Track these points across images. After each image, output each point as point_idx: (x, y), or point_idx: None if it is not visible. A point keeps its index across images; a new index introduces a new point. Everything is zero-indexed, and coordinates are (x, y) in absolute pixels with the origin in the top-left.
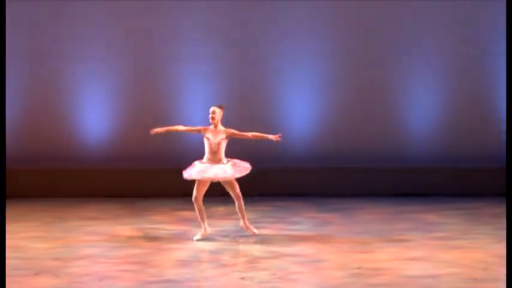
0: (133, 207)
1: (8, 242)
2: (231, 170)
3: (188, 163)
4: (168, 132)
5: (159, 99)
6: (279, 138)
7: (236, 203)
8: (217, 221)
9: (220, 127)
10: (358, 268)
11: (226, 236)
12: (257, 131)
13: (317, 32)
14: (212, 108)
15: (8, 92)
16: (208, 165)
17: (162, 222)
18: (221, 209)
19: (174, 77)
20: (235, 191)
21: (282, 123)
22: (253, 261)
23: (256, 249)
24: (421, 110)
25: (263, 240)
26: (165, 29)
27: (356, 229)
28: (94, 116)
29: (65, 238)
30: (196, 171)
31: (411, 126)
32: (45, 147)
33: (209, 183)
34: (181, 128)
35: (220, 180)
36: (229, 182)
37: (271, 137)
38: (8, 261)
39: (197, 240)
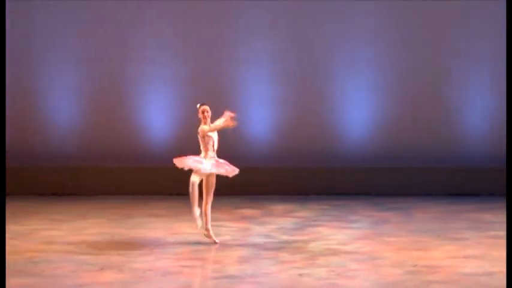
0: None
1: (76, 238)
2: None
3: (247, 162)
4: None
5: (220, 100)
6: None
7: (207, 205)
8: (276, 219)
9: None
10: (414, 266)
11: (285, 233)
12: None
13: (373, 34)
14: (205, 107)
15: (77, 93)
16: (220, 161)
17: (222, 219)
18: (281, 207)
19: (234, 78)
20: (212, 191)
21: (340, 123)
22: (311, 258)
23: (315, 247)
24: (477, 110)
25: (321, 237)
26: (227, 30)
27: (412, 227)
28: (159, 116)
29: (130, 234)
30: (210, 165)
31: (467, 126)
32: (113, 146)
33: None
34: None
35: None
36: (213, 180)
37: (226, 117)
38: (75, 257)
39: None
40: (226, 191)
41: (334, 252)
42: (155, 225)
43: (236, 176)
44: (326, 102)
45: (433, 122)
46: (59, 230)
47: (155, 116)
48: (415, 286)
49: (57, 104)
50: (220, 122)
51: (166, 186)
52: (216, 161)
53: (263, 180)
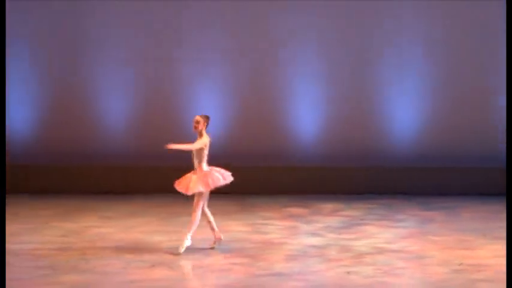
0: (244, 204)
1: (127, 235)
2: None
3: (296, 162)
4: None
5: (269, 100)
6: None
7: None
8: (324, 218)
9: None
10: (460, 264)
11: (332, 232)
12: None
13: (421, 35)
14: (196, 118)
15: (128, 94)
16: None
17: (271, 218)
18: (329, 206)
19: (283, 78)
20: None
21: (387, 124)
22: (358, 257)
23: (362, 245)
24: None
25: (368, 236)
26: (274, 32)
27: (458, 227)
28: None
29: (180, 232)
30: (219, 178)
31: None
32: (161, 146)
33: None
34: (190, 147)
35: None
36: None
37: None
38: (125, 254)
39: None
40: (275, 190)
41: (380, 251)
42: (204, 223)
43: (285, 175)
44: (372, 103)
45: (482, 122)
46: (110, 227)
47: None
48: (460, 285)
49: (109, 105)
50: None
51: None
52: (205, 174)
53: (311, 179)
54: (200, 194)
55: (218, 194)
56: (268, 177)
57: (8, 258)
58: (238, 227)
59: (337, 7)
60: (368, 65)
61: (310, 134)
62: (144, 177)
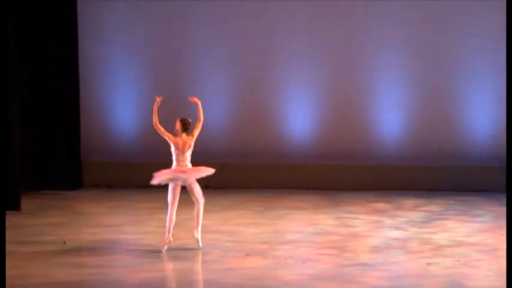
0: (332, 199)
1: (223, 227)
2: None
3: (381, 161)
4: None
5: (352, 105)
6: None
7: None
8: (406, 212)
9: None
10: None
11: (414, 225)
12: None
13: (497, 36)
14: (177, 122)
15: (226, 97)
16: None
17: (357, 212)
18: (411, 202)
19: (365, 83)
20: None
21: (466, 124)
22: (438, 249)
23: (441, 238)
24: None
25: (447, 230)
26: (358, 39)
27: None
28: (298, 117)
29: (273, 224)
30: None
31: None
32: (256, 145)
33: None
34: (157, 123)
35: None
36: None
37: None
38: (223, 244)
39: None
40: (361, 186)
41: (459, 244)
42: (295, 217)
43: (371, 172)
44: (451, 105)
45: None
46: (208, 219)
47: (291, 117)
48: None
49: (209, 106)
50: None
51: (305, 181)
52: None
53: (395, 177)
54: (169, 192)
55: (309, 189)
56: (355, 175)
57: (112, 247)
58: (326, 221)
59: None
60: (445, 70)
61: (393, 136)
62: (240, 173)
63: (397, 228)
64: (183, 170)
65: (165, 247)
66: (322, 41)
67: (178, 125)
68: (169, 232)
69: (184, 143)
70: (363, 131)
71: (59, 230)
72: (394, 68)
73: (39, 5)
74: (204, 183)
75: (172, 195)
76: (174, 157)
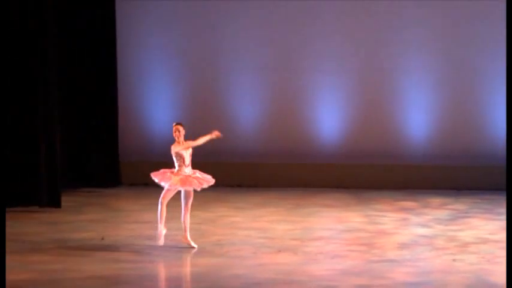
0: (360, 197)
1: (255, 224)
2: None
3: (408, 160)
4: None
5: (382, 106)
6: (219, 135)
7: (186, 214)
8: (432, 210)
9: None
10: None
11: (440, 223)
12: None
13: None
14: (177, 126)
15: (258, 98)
16: (194, 175)
17: (384, 210)
18: (437, 200)
19: (395, 85)
20: (190, 202)
21: (491, 122)
22: (463, 246)
23: (467, 235)
24: None
25: (473, 227)
26: (390, 43)
27: None
28: (327, 118)
29: (303, 222)
30: (177, 181)
31: None
32: (286, 145)
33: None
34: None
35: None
36: (190, 192)
37: (212, 136)
38: (255, 240)
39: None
40: (388, 185)
41: (484, 241)
42: (325, 214)
43: (398, 172)
44: (476, 105)
45: None
46: (241, 216)
47: (320, 118)
48: None
49: (241, 108)
50: (203, 139)
51: (334, 179)
52: (186, 176)
53: (422, 176)
54: (164, 191)
55: (338, 188)
56: (382, 174)
57: (149, 243)
58: (355, 218)
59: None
60: (475, 72)
61: (420, 137)
62: (271, 172)
63: (424, 225)
64: (191, 182)
65: (162, 239)
66: (349, 44)
67: (182, 130)
68: (161, 223)
69: (187, 150)
70: (390, 131)
71: (98, 226)
72: (419, 69)
73: (78, 8)
74: (236, 182)
75: (168, 196)
76: (177, 162)
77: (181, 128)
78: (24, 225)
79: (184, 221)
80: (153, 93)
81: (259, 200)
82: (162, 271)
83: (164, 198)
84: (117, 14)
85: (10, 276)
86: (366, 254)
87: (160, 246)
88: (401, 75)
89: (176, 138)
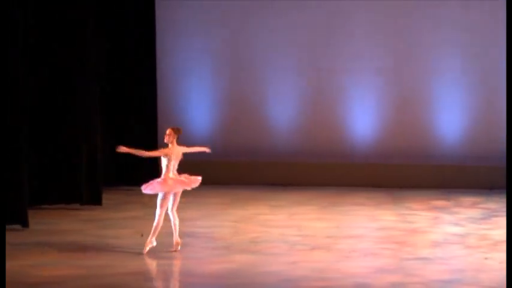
0: (393, 196)
1: (290, 222)
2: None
3: (441, 160)
4: (132, 154)
5: (418, 107)
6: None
7: (176, 218)
8: (465, 210)
9: (177, 145)
10: None
11: (472, 222)
12: None
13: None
14: (168, 130)
15: (294, 99)
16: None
17: (417, 209)
18: (470, 200)
19: (431, 87)
20: (176, 206)
21: None
22: (495, 244)
23: (498, 234)
24: None
25: (504, 226)
26: (424, 44)
27: None
28: (361, 118)
29: (337, 220)
30: (171, 185)
31: None
32: (321, 144)
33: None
34: (145, 153)
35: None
36: (178, 194)
37: (203, 149)
38: (290, 238)
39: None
40: (421, 184)
41: None
42: (358, 213)
43: (431, 171)
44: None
45: None
46: (276, 214)
47: (355, 118)
48: None
49: (278, 108)
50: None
51: (367, 179)
52: (176, 179)
53: (454, 175)
54: (162, 198)
55: (371, 187)
56: (415, 173)
57: (187, 240)
58: (388, 217)
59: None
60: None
61: (453, 135)
62: (306, 171)
63: (456, 224)
64: (183, 181)
65: (147, 249)
66: (384, 45)
67: (171, 134)
68: (154, 235)
69: (178, 153)
70: (424, 131)
71: (137, 224)
72: (452, 69)
73: (119, 5)
74: (272, 180)
75: (166, 202)
76: (164, 166)
77: (169, 132)
78: (66, 223)
79: (175, 223)
80: (192, 92)
81: (294, 198)
82: (199, 268)
83: (163, 207)
84: (156, 12)
85: (53, 272)
86: (399, 252)
87: (196, 244)
88: (435, 75)
89: (169, 143)
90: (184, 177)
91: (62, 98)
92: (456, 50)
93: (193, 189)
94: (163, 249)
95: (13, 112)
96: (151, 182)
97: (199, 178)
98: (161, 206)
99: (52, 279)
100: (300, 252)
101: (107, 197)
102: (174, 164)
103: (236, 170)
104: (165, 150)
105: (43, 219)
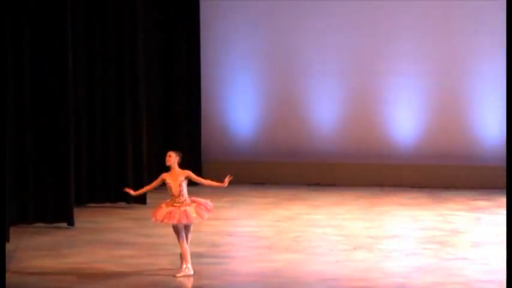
0: (435, 197)
1: (332, 222)
2: (194, 214)
3: (483, 161)
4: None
5: (453, 109)
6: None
7: (187, 247)
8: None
9: (178, 169)
10: None
11: None
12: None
13: None
14: (169, 152)
15: (334, 99)
16: (172, 208)
17: (458, 209)
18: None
19: (467, 88)
20: (189, 234)
21: None
22: None
23: None
24: None
25: None
26: (463, 46)
27: None
28: (403, 120)
29: (378, 220)
30: (162, 215)
31: None
32: (362, 145)
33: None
34: (150, 186)
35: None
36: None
37: (222, 184)
38: (331, 238)
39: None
40: (462, 185)
41: None
42: (400, 213)
43: (473, 172)
44: None
45: None
46: (318, 214)
47: (396, 120)
48: None
49: (319, 110)
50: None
51: (409, 179)
52: (168, 210)
53: (496, 176)
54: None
55: (413, 187)
56: (457, 174)
57: (230, 239)
58: (429, 217)
59: None
60: None
61: (495, 136)
62: (348, 171)
63: (497, 224)
64: (173, 215)
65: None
66: (426, 48)
67: (174, 158)
68: (185, 263)
69: (176, 179)
70: (466, 132)
71: None
72: (494, 72)
73: (162, 10)
74: (314, 181)
75: (175, 229)
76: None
77: (173, 154)
78: (112, 221)
79: (186, 252)
80: (235, 95)
81: (336, 198)
82: (242, 267)
83: (175, 233)
84: (201, 16)
85: (103, 268)
86: (440, 252)
87: (240, 243)
88: (477, 77)
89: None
90: (195, 204)
91: (110, 98)
92: (499, 52)
93: (238, 189)
94: (209, 246)
95: (61, 111)
96: (158, 206)
97: (205, 214)
98: (174, 233)
99: (99, 276)
100: (341, 251)
101: (151, 196)
102: (175, 188)
103: (279, 170)
104: (162, 175)
105: (88, 218)
